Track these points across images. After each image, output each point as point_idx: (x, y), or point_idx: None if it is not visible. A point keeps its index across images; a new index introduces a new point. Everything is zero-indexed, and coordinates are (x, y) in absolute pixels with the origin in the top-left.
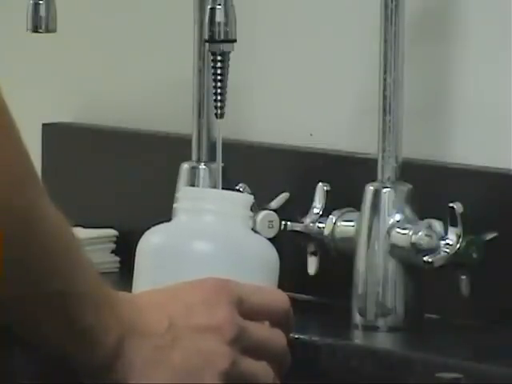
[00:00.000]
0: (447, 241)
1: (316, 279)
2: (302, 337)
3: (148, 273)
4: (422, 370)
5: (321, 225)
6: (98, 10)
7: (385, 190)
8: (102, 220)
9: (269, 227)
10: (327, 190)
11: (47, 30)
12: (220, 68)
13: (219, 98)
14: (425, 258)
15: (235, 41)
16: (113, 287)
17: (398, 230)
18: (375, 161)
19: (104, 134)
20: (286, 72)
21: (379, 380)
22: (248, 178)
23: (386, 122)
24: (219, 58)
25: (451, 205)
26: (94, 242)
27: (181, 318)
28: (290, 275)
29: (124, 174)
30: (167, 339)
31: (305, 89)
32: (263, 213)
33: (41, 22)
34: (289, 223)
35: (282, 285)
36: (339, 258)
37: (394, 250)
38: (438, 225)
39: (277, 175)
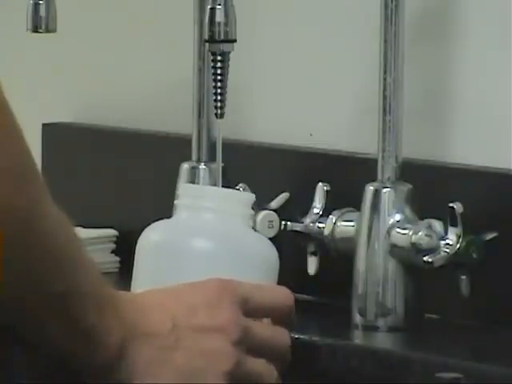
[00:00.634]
0: (447, 241)
1: (316, 279)
2: (302, 337)
3: (147, 269)
4: (422, 370)
5: (321, 225)
6: (97, 10)
7: (385, 190)
8: (102, 220)
9: (269, 227)
10: (327, 190)
11: (47, 30)
12: (220, 68)
13: (219, 98)
14: (425, 258)
15: (235, 41)
16: (114, 287)
17: (398, 229)
18: (375, 161)
19: (104, 133)
20: (286, 72)
21: (379, 380)
22: (248, 177)
23: (386, 121)
24: (219, 58)
25: (451, 205)
26: (94, 242)
27: (184, 319)
28: (290, 275)
29: (124, 174)
30: (170, 340)
31: (305, 89)
32: (263, 213)
33: (41, 22)
34: (289, 223)
35: (282, 285)
36: (339, 258)
37: (394, 249)
38: (437, 225)
39: (277, 175)
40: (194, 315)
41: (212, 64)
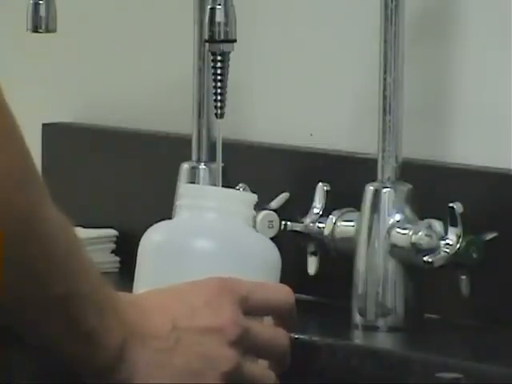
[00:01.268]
0: (447, 241)
1: (316, 279)
2: (301, 337)
3: (150, 270)
4: (422, 370)
5: (321, 225)
6: (97, 10)
7: (385, 190)
8: (102, 220)
9: (269, 227)
10: (327, 190)
11: (47, 30)
12: (220, 68)
13: (219, 97)
14: (425, 258)
15: (235, 41)
16: (114, 287)
17: (398, 229)
18: (375, 161)
19: (104, 133)
20: (286, 72)
21: (379, 380)
22: (248, 178)
23: (386, 121)
24: (219, 58)
25: (451, 205)
26: (93, 242)
27: (184, 320)
28: (290, 275)
29: (124, 174)
30: (170, 341)
31: (305, 89)
32: (263, 213)
33: (41, 22)
34: (289, 223)
35: None
36: (339, 257)
37: (394, 249)
38: (438, 225)
39: (277, 175)
40: (195, 316)
41: (212, 64)
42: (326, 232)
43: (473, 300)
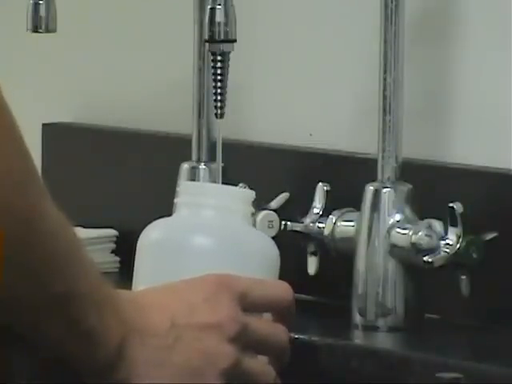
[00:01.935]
0: (447, 241)
1: (316, 279)
2: (301, 337)
3: (148, 267)
4: (422, 370)
5: (321, 225)
6: (97, 10)
7: (385, 190)
8: (102, 220)
9: (269, 227)
10: (327, 190)
11: (47, 30)
12: (220, 68)
13: (219, 97)
14: (425, 258)
15: (235, 41)
16: (114, 287)
17: (398, 229)
18: (375, 161)
19: (104, 133)
20: (286, 72)
21: (379, 380)
22: (248, 178)
23: (386, 121)
24: (219, 58)
25: (451, 205)
26: (93, 242)
27: (183, 317)
28: (290, 275)
29: (124, 174)
30: (169, 339)
31: (305, 89)
32: (263, 213)
33: (41, 22)
34: (289, 223)
35: None
36: (339, 258)
37: (394, 249)
38: (438, 225)
39: (277, 175)
40: (193, 313)
41: (212, 64)
42: (326, 232)
43: (473, 300)
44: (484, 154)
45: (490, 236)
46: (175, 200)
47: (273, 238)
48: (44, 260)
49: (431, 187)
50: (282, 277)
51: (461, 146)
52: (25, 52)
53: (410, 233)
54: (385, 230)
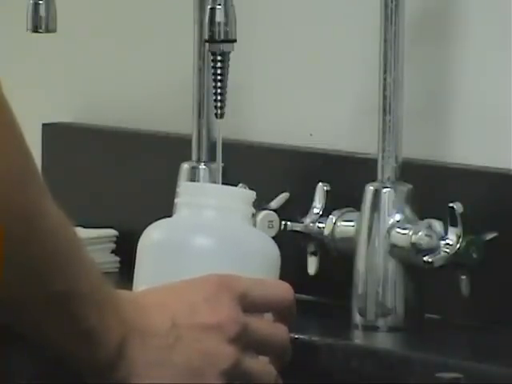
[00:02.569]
0: (447, 241)
1: (316, 279)
2: (301, 337)
3: (149, 268)
4: (422, 370)
5: (321, 225)
6: (97, 10)
7: (385, 190)
8: (102, 220)
9: (269, 227)
10: (327, 190)
11: (47, 30)
12: (220, 68)
13: (219, 97)
14: (425, 258)
15: (235, 41)
16: (114, 287)
17: (398, 229)
18: (375, 161)
19: (104, 133)
20: (286, 72)
21: (379, 380)
22: (248, 178)
23: (386, 121)
24: (219, 58)
25: (451, 205)
26: (93, 242)
27: (184, 318)
28: (290, 275)
29: (124, 174)
30: (170, 339)
31: (305, 89)
32: (263, 213)
33: (41, 22)
34: (289, 223)
35: None
36: (339, 257)
37: (394, 249)
38: (438, 225)
39: (277, 175)
40: (194, 313)
41: (212, 64)
42: (326, 232)
43: (473, 300)
44: (484, 154)
45: (490, 236)
46: (175, 200)
47: (273, 237)
48: (44, 258)
49: (431, 187)
50: (282, 277)
51: (461, 146)
52: (25, 52)
53: (410, 233)
54: (385, 230)
